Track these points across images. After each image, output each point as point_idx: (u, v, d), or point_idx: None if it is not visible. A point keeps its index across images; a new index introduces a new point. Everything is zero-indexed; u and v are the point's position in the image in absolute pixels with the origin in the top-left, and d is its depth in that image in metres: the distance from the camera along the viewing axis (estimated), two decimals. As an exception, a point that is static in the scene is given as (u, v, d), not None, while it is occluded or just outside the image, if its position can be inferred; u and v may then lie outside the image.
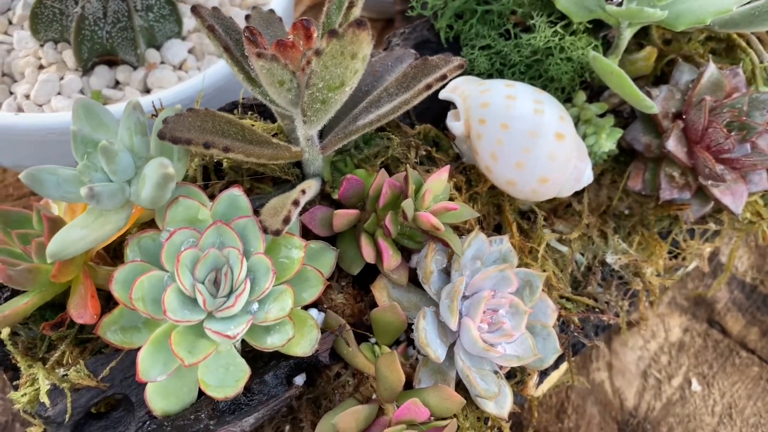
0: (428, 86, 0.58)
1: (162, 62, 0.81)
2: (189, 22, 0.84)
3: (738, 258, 1.03)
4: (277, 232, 0.49)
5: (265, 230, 0.50)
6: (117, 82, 0.79)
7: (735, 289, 1.01)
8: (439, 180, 0.58)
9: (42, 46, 0.79)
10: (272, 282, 0.49)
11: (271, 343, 0.49)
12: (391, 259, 0.57)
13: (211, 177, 0.60)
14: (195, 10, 0.52)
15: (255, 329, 0.50)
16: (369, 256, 0.57)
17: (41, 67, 0.78)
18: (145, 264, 0.50)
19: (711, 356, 0.95)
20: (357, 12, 0.52)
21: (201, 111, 0.52)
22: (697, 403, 0.91)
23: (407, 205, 0.55)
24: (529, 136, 0.62)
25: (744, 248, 1.03)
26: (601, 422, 0.88)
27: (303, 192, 0.52)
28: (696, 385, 0.92)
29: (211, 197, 0.60)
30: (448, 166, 0.58)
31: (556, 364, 0.72)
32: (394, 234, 0.57)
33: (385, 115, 0.58)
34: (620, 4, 0.66)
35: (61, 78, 0.77)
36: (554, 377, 0.75)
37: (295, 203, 0.50)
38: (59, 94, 0.76)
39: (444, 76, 0.58)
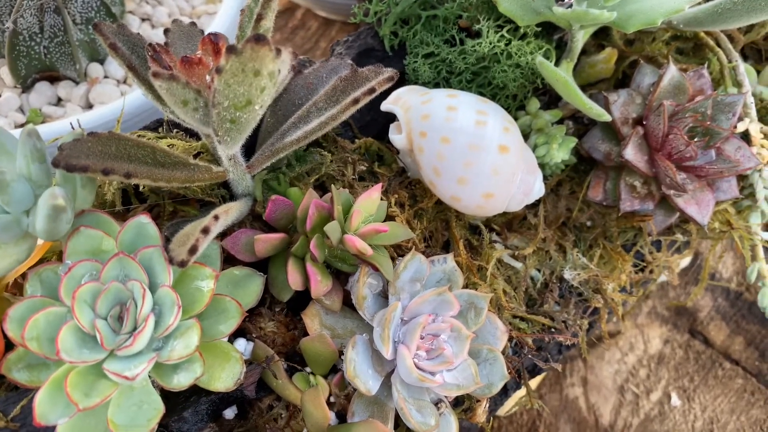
0: (356, 100, 0.54)
1: (105, 77, 0.78)
2: (134, 33, 0.81)
3: (722, 264, 0.98)
4: (183, 263, 0.46)
5: (171, 261, 0.47)
6: (59, 99, 0.77)
7: (719, 297, 0.96)
8: (369, 200, 0.54)
9: (-20, 62, 0.77)
10: (178, 317, 0.46)
11: (178, 382, 0.46)
12: (320, 285, 0.53)
13: (132, 200, 0.57)
14: (96, 27, 0.49)
15: (162, 367, 0.47)
16: (295, 282, 0.53)
17: (-21, 85, 0.76)
18: (45, 299, 0.47)
19: (692, 368, 0.90)
20: (267, 24, 0.49)
21: (103, 135, 0.48)
22: (676, 418, 0.86)
23: (331, 228, 0.51)
24: (471, 150, 0.58)
25: (729, 254, 0.99)
26: (575, 441, 0.84)
27: (216, 218, 0.49)
28: (676, 400, 0.88)
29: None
30: (379, 185, 0.55)
31: (517, 384, 0.68)
32: (321, 259, 0.53)
33: (312, 132, 0.55)
34: (570, 6, 0.62)
35: (-1, 96, 0.74)
36: (516, 396, 0.71)
37: (205, 231, 0.47)
38: (-4, 112, 0.73)
39: (372, 90, 0.55)
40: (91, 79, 0.77)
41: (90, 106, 0.76)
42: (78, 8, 0.74)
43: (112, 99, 0.75)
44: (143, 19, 0.84)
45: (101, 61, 0.79)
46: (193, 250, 0.46)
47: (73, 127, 0.58)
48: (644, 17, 0.58)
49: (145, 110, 0.69)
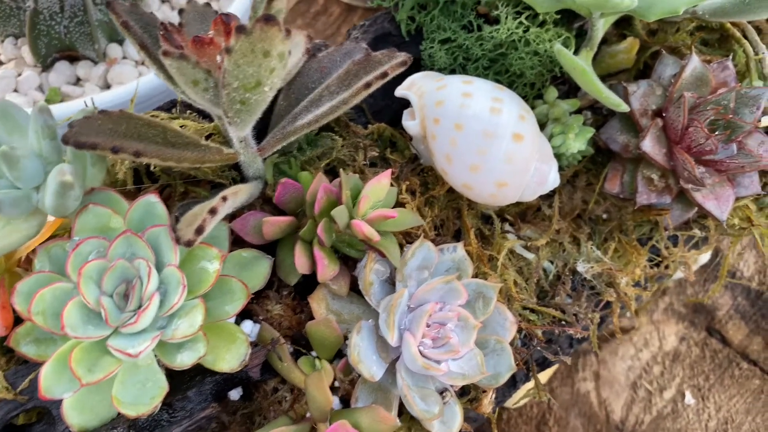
0: (368, 85, 0.54)
1: (124, 57, 0.78)
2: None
3: (743, 262, 0.96)
4: (189, 243, 0.46)
5: (177, 240, 0.47)
6: (78, 79, 0.77)
7: (739, 296, 0.94)
8: (378, 185, 0.54)
9: (2, 41, 0.77)
10: (182, 296, 0.46)
11: (181, 361, 0.47)
12: (326, 269, 0.53)
13: (144, 180, 0.57)
14: (109, 5, 0.49)
15: (165, 346, 0.47)
16: (302, 266, 0.53)
17: (0, 63, 0.77)
18: (52, 275, 0.47)
19: (708, 367, 0.89)
20: (279, 5, 0.48)
21: (114, 113, 0.49)
22: (690, 417, 0.85)
23: (339, 213, 0.51)
24: (485, 137, 0.57)
25: (750, 252, 0.96)
26: (585, 436, 0.83)
27: (224, 199, 0.49)
28: (690, 398, 0.86)
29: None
30: (389, 170, 0.54)
31: (526, 376, 0.67)
32: (329, 243, 0.53)
33: (323, 115, 0.55)
34: (590, -7, 0.61)
35: (19, 74, 0.75)
36: (525, 388, 0.71)
37: (212, 211, 0.47)
38: (15, 91, 0.74)
39: (385, 74, 0.54)
40: (109, 59, 0.77)
41: (108, 87, 0.76)
42: (98, -12, 0.75)
43: (130, 80, 0.75)
44: (162, 1, 0.84)
45: (120, 42, 0.79)
46: (199, 230, 0.46)
47: (87, 106, 0.59)
48: (666, 6, 0.56)
49: (160, 92, 0.69)
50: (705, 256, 0.89)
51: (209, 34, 0.48)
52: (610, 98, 0.57)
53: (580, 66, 0.56)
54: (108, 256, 0.47)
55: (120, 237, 0.47)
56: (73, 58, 0.78)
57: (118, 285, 0.47)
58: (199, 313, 0.46)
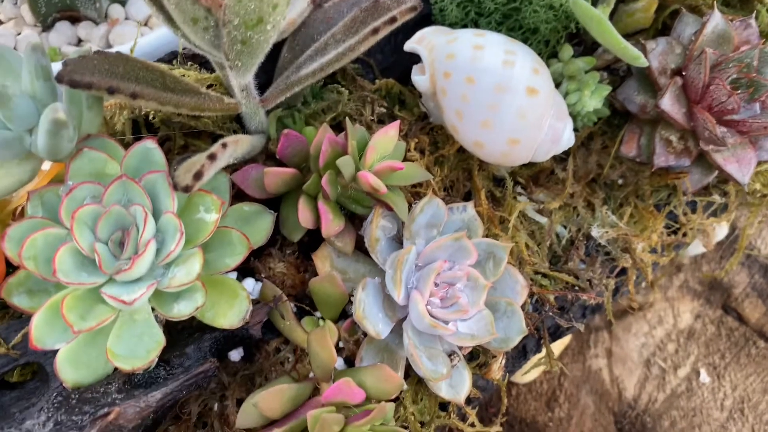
0: (375, 30, 0.51)
1: (126, 18, 0.76)
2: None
3: (761, 238, 0.93)
4: (187, 189, 0.44)
5: (175, 186, 0.45)
6: (79, 40, 0.75)
7: (756, 273, 0.92)
8: (386, 136, 0.51)
9: (1, 1, 0.76)
10: (180, 244, 0.44)
11: (178, 311, 0.45)
12: (331, 224, 0.51)
13: (142, 131, 0.55)
14: (107, -59, 0.47)
15: (162, 295, 0.45)
16: (306, 220, 0.51)
17: (0, 22, 0.75)
18: (45, 221, 0.45)
19: (724, 345, 0.86)
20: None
21: (111, 54, 0.47)
22: (705, 395, 0.83)
23: (344, 163, 0.49)
24: (497, 91, 0.55)
25: (768, 229, 0.94)
26: (596, 413, 0.81)
27: (224, 146, 0.46)
28: (705, 377, 0.84)
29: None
30: (397, 122, 0.52)
31: (537, 347, 0.65)
32: (334, 197, 0.51)
33: (329, 63, 0.53)
34: (608, -57, 0.58)
35: (18, 34, 0.73)
36: (535, 359, 0.68)
37: (211, 157, 0.45)
38: (14, 50, 0.72)
39: (394, 19, 0.52)
40: (111, 20, 0.75)
41: (110, 47, 0.74)
42: (100, -55, 0.73)
43: (132, 41, 0.73)
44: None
45: (122, 2, 0.77)
46: (198, 175, 0.44)
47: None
48: (689, -47, 0.54)
49: (161, 53, 0.67)
50: (722, 232, 0.86)
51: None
52: (628, 50, 0.54)
53: (597, 15, 0.54)
54: (103, 201, 0.45)
55: (115, 182, 0.45)
56: (74, 19, 0.76)
57: (113, 232, 0.45)
58: (197, 261, 0.44)
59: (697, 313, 0.88)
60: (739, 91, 0.60)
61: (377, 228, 0.52)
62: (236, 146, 0.49)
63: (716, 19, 0.61)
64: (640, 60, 0.56)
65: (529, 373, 0.73)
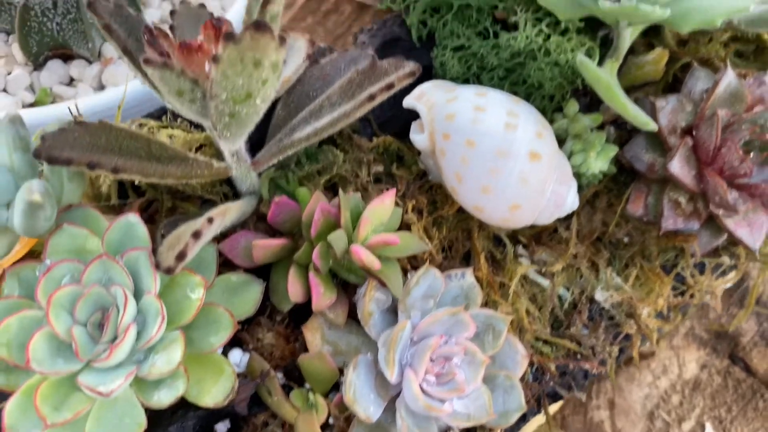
0: (371, 97, 0.49)
1: (120, 57, 0.74)
2: (152, 13, 0.77)
3: (770, 285, 0.91)
4: (169, 270, 0.42)
5: (157, 266, 0.43)
6: (72, 79, 0.73)
7: (765, 321, 0.89)
8: (381, 207, 0.49)
9: (-8, 38, 0.74)
10: (161, 330, 0.42)
11: (158, 399, 0.42)
12: (322, 297, 0.49)
13: (129, 194, 0.53)
14: (90, 6, 0.45)
15: (142, 382, 0.43)
16: (296, 294, 0.49)
17: (-10, 60, 0.73)
18: (21, 301, 0.43)
19: (731, 398, 0.83)
20: (276, 9, 0.44)
21: (92, 125, 0.44)
22: (710, 451, 0.80)
23: (336, 238, 0.47)
24: (498, 156, 0.53)
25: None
26: (597, 468, 0.78)
27: (210, 221, 0.44)
28: (710, 430, 0.81)
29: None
30: (393, 190, 0.50)
31: (538, 409, 0.63)
32: (325, 270, 0.49)
33: (323, 129, 0.50)
34: (617, 0, 0.56)
35: (9, 73, 0.71)
36: (536, 421, 0.66)
37: (196, 235, 0.43)
38: (4, 90, 0.70)
39: (391, 85, 0.50)
40: (104, 59, 0.74)
41: (102, 87, 0.72)
42: (93, -16, 0.71)
43: (125, 82, 0.71)
44: (164, -2, 0.80)
45: (116, 41, 0.75)
46: (181, 256, 0.42)
47: (71, 113, 0.55)
48: (701, 17, 0.51)
49: (153, 96, 0.65)
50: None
51: (198, 39, 0.44)
52: (637, 116, 0.52)
53: (605, 80, 0.51)
54: (82, 281, 0.43)
55: (95, 261, 0.43)
56: (67, 57, 0.74)
57: (92, 313, 0.43)
58: (179, 348, 0.42)
59: (703, 362, 0.86)
60: (751, 154, 0.58)
61: (370, 301, 0.50)
62: (224, 218, 0.47)
63: (729, 77, 0.59)
64: (650, 125, 0.54)
65: (528, 426, 0.70)
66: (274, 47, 0.39)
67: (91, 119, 0.65)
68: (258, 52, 0.39)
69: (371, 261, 0.46)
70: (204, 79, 0.42)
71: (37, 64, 0.73)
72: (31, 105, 0.70)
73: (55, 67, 0.73)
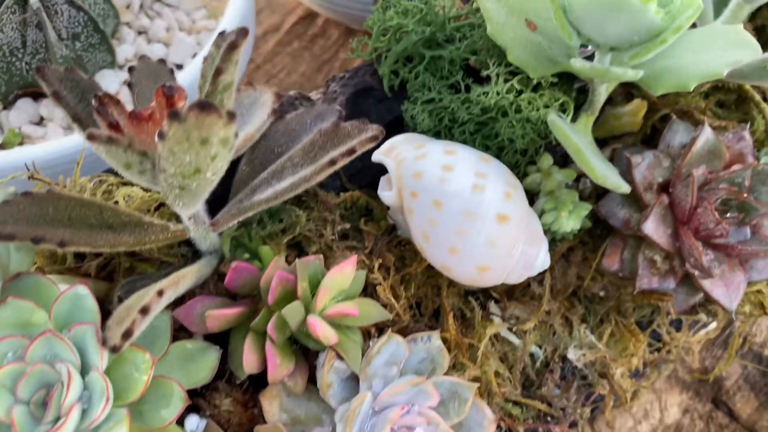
0: (332, 161, 0.48)
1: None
2: (126, 49, 0.76)
3: (756, 326, 0.89)
4: (115, 349, 0.41)
5: (104, 343, 0.42)
6: (42, 118, 0.72)
7: (749, 364, 0.88)
8: (341, 275, 0.48)
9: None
10: (106, 410, 0.41)
11: (102, 484, 0.41)
12: (278, 368, 0.47)
13: (87, 254, 0.52)
14: (39, 71, 0.43)
15: (86, 465, 0.42)
16: (251, 365, 0.47)
17: (-42, 100, 0.72)
18: (-36, 378, 0.42)
19: (713, 444, 0.82)
20: (229, 78, 0.42)
21: (40, 195, 0.43)
22: (690, 501, 0.79)
23: (291, 311, 0.45)
24: (465, 217, 0.51)
25: (764, 318, 0.89)
26: None
27: (160, 294, 0.43)
28: (691, 479, 0.80)
29: (87, 275, 0.52)
30: (354, 257, 0.48)
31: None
32: (282, 340, 0.48)
33: (284, 192, 0.49)
34: (591, 57, 0.54)
35: (-24, 113, 0.70)
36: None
37: (144, 311, 0.42)
38: (-29, 131, 0.69)
39: (352, 150, 0.48)
40: (75, 98, 0.72)
41: (71, 128, 0.71)
42: (64, 23, 0.69)
43: (95, 121, 0.70)
44: (139, 32, 0.79)
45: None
46: (127, 334, 0.41)
47: (27, 168, 0.53)
48: (675, 79, 0.50)
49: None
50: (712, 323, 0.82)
51: (150, 106, 0.43)
52: (608, 180, 0.51)
53: (575, 144, 0.50)
54: (26, 358, 0.41)
55: (40, 337, 0.41)
56: (37, 95, 0.73)
57: (35, 391, 0.42)
58: (124, 428, 0.41)
59: (686, 407, 0.84)
60: (728, 215, 0.56)
61: (329, 372, 0.49)
62: (177, 287, 0.46)
63: (706, 134, 0.57)
64: (622, 189, 0.52)
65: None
66: (223, 124, 0.38)
67: (59, 162, 0.65)
68: (204, 130, 0.38)
69: (327, 336, 0.45)
70: (153, 151, 0.41)
71: (7, 103, 0.72)
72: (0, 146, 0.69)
73: (24, 106, 0.71)
